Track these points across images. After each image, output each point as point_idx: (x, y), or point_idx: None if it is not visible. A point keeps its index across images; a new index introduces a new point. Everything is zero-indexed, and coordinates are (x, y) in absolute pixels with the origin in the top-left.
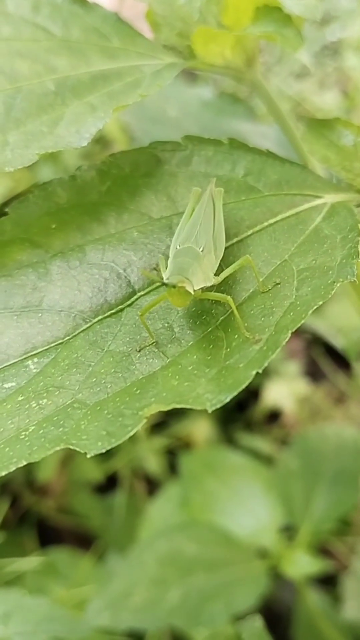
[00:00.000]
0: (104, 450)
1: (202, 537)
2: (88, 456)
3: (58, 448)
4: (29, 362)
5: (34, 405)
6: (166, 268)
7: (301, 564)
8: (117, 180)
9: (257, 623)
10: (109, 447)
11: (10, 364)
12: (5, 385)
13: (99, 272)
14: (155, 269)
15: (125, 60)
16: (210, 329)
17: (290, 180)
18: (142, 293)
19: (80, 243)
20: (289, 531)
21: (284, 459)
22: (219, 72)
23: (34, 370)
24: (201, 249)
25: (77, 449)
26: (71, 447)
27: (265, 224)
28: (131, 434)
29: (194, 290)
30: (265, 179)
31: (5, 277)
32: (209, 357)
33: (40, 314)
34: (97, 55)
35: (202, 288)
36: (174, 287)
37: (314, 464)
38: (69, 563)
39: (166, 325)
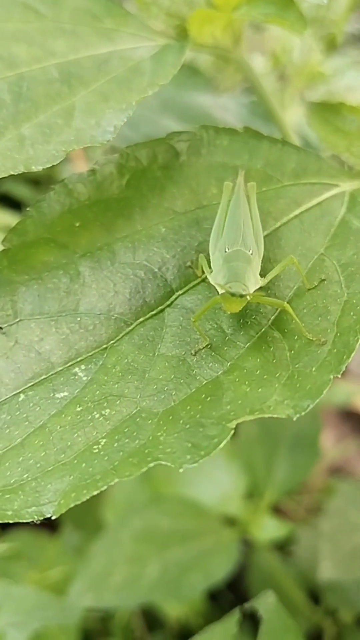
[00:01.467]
0: (195, 464)
1: (174, 510)
2: (180, 471)
3: (150, 465)
4: (76, 369)
5: (97, 416)
6: (210, 268)
7: (268, 529)
8: (136, 174)
9: (270, 599)
10: (200, 460)
11: (57, 372)
12: (58, 395)
13: (133, 271)
14: (190, 266)
15: (121, 42)
16: (263, 330)
17: (306, 168)
18: (180, 292)
19: (107, 241)
20: (253, 498)
21: (245, 427)
22: (208, 51)
23: (84, 378)
24: (250, 252)
25: (168, 464)
26: (162, 462)
27: (291, 215)
28: (221, 445)
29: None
30: (283, 168)
31: (36, 281)
32: (274, 360)
33: (78, 318)
34: (94, 38)
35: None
36: (233, 295)
37: (273, 430)
38: (33, 546)
39: (215, 326)
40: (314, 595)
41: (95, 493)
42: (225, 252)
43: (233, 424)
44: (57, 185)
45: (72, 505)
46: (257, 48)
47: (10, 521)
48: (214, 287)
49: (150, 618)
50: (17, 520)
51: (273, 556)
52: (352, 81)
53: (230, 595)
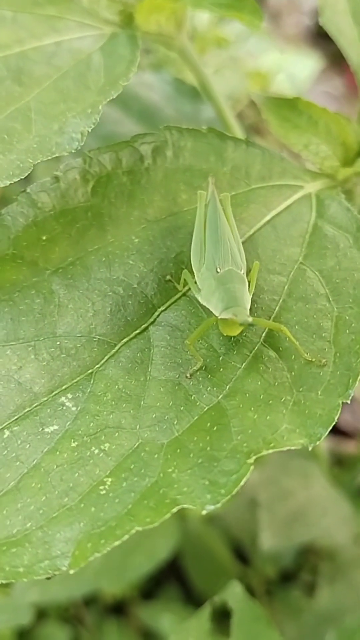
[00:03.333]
0: (218, 505)
1: None
2: (204, 513)
3: (173, 510)
4: (63, 398)
5: (96, 451)
6: (197, 287)
7: None
8: (101, 180)
9: (237, 589)
10: (222, 500)
11: (42, 403)
12: (48, 430)
13: (111, 288)
14: (170, 280)
15: (66, 31)
16: (256, 348)
17: (271, 169)
18: (162, 308)
19: (79, 256)
20: None
21: None
22: (152, 38)
23: (74, 409)
24: (242, 271)
25: (191, 507)
26: (184, 506)
27: (263, 221)
28: (242, 483)
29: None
30: (250, 170)
31: (7, 303)
32: (276, 383)
33: (58, 342)
34: (37, 26)
35: None
36: (242, 324)
37: None
38: None
39: (206, 345)
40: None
41: (116, 543)
42: (217, 272)
43: (252, 459)
44: (20, 196)
45: (91, 558)
46: None
47: (24, 579)
48: (199, 305)
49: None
50: (31, 577)
51: (203, 523)
52: (253, 47)
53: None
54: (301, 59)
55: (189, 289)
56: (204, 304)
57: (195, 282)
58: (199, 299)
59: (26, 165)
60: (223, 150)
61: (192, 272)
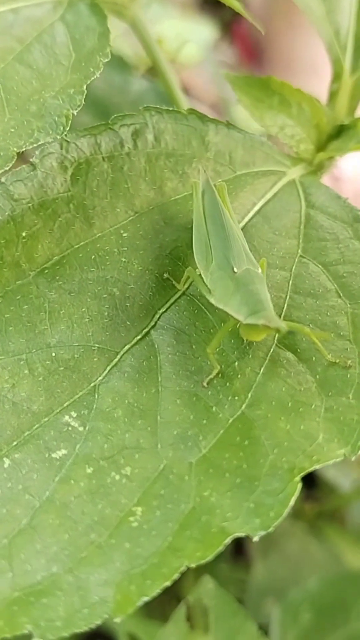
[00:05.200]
0: (270, 530)
1: None
2: (255, 539)
3: (226, 541)
4: (66, 417)
5: (116, 477)
6: (207, 288)
7: None
8: (80, 166)
9: (209, 585)
10: (274, 524)
11: (43, 424)
12: (55, 455)
13: (105, 289)
14: (169, 278)
15: None
16: (272, 350)
17: (254, 154)
18: (162, 310)
19: (64, 254)
20: None
21: None
22: (106, 7)
23: (81, 429)
24: (258, 270)
25: (243, 535)
26: (237, 535)
27: (253, 210)
28: (291, 503)
29: None
30: (234, 155)
31: None
32: (301, 389)
33: (53, 354)
34: None
35: None
36: (279, 330)
37: None
38: None
39: (218, 349)
40: None
41: (166, 584)
42: (234, 272)
43: (298, 478)
44: None
45: (139, 602)
46: None
47: (65, 634)
48: (202, 305)
49: None
50: (72, 631)
51: None
52: (155, 13)
53: None
54: (198, 27)
55: (188, 287)
56: (220, 307)
57: (203, 282)
58: (212, 301)
59: (8, 154)
60: (205, 134)
61: (195, 269)
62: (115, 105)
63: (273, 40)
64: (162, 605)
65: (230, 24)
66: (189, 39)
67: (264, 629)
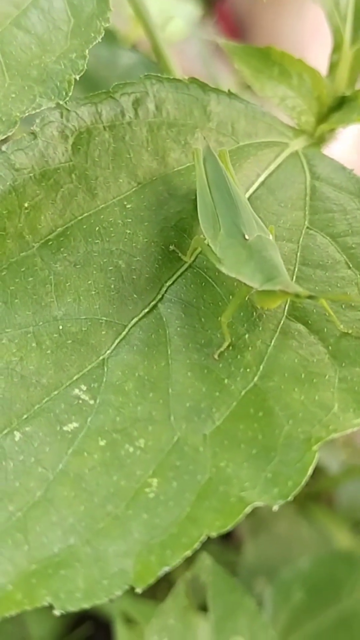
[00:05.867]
0: (290, 498)
1: None
2: (274, 508)
3: (247, 510)
4: (76, 390)
5: (130, 449)
6: (214, 253)
7: None
8: (81, 135)
9: (207, 561)
10: (293, 492)
11: (53, 398)
12: (67, 428)
13: (111, 261)
14: (175, 250)
15: None
16: (282, 322)
17: (256, 125)
18: (169, 283)
19: (68, 225)
20: None
21: None
22: None
23: (92, 402)
24: (270, 236)
25: (261, 504)
26: (257, 504)
27: (257, 182)
28: (309, 472)
29: None
30: (236, 125)
31: None
32: (314, 360)
33: (60, 326)
34: None
35: None
36: (298, 295)
37: None
38: None
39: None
40: None
41: (186, 553)
42: (245, 239)
43: (316, 447)
44: None
45: (160, 572)
46: None
47: (86, 606)
48: (209, 277)
49: None
50: (92, 602)
51: None
52: None
53: None
54: (182, 3)
55: (195, 259)
56: (232, 275)
57: (212, 251)
58: (223, 269)
59: (10, 119)
60: (206, 104)
61: (203, 239)
62: (103, 79)
63: (256, 18)
64: (152, 589)
65: (213, 1)
66: (174, 15)
67: None
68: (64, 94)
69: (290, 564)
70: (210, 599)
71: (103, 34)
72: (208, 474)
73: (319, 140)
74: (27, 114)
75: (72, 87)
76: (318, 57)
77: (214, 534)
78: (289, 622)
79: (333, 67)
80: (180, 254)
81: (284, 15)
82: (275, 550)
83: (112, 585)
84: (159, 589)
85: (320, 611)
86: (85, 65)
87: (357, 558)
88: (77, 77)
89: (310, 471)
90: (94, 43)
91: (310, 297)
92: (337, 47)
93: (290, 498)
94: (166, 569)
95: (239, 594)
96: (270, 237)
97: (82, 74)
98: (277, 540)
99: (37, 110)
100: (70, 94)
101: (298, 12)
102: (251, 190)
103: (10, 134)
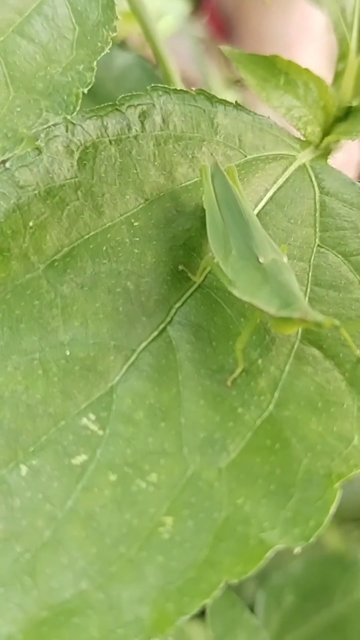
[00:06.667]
0: (312, 540)
1: None
2: (295, 552)
3: (267, 555)
4: (84, 420)
5: (142, 485)
6: (226, 276)
7: None
8: (87, 150)
9: None
10: (314, 533)
11: (60, 428)
12: (76, 462)
13: (118, 282)
14: (184, 270)
15: None
16: (296, 346)
17: (263, 137)
18: (178, 304)
19: (75, 244)
20: None
21: None
22: None
23: (101, 432)
24: (284, 259)
25: (283, 546)
26: (279, 546)
27: (266, 197)
28: (330, 511)
29: None
30: (243, 138)
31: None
32: (331, 387)
33: (67, 352)
34: None
35: None
36: (320, 325)
37: None
38: None
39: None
40: None
41: (205, 601)
42: (260, 262)
43: (337, 484)
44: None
45: (178, 621)
46: None
47: None
48: (220, 298)
49: None
50: None
51: None
52: None
53: None
54: (172, 0)
55: (205, 279)
56: (245, 299)
57: (223, 273)
58: (235, 292)
59: (16, 135)
60: (214, 116)
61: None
62: (99, 80)
63: (244, 14)
64: None
65: None
66: (166, 12)
67: None
68: (72, 108)
69: (281, 568)
70: (209, 614)
71: (110, 45)
72: (225, 511)
73: (325, 152)
74: (34, 130)
75: (80, 101)
76: (306, 54)
77: (235, 581)
78: (281, 626)
79: (338, 76)
80: (189, 274)
81: (271, 11)
82: None
83: (127, 634)
84: None
85: (312, 615)
86: (93, 78)
87: (348, 561)
88: (85, 91)
89: (332, 510)
90: (102, 54)
91: (331, 326)
92: (342, 56)
93: (312, 540)
94: (185, 618)
95: (238, 610)
96: (285, 259)
97: (90, 87)
98: None
99: (44, 126)
100: (77, 108)
101: (285, 8)
102: (260, 206)
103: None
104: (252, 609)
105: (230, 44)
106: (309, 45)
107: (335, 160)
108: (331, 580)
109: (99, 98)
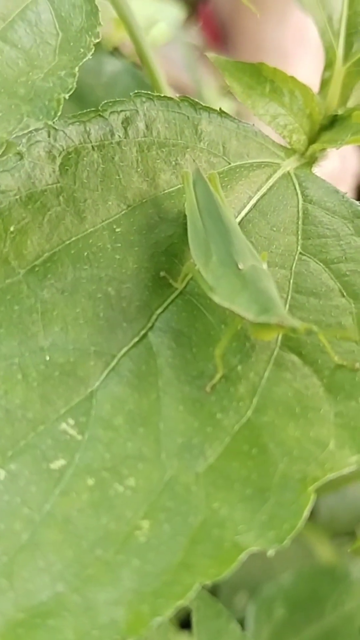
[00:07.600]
0: (286, 542)
1: None
2: (269, 553)
3: (241, 556)
4: (63, 425)
5: (120, 489)
6: (207, 282)
7: None
8: (69, 156)
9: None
10: (288, 536)
11: (39, 433)
12: (54, 466)
13: (99, 288)
14: (165, 276)
15: None
16: (275, 353)
17: (247, 145)
18: (159, 310)
19: (55, 250)
20: None
21: None
22: None
23: (79, 437)
24: (264, 266)
25: (257, 548)
26: (253, 548)
27: (249, 204)
28: (304, 514)
29: None
30: (227, 145)
31: None
32: (309, 393)
33: (47, 357)
34: None
35: None
36: (296, 331)
37: None
38: None
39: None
40: None
41: (179, 603)
42: (239, 268)
43: (311, 488)
44: None
45: (153, 623)
46: None
47: None
48: (201, 305)
49: None
50: None
51: None
52: None
53: None
54: (166, 7)
55: (186, 286)
56: (225, 305)
57: (204, 279)
58: (215, 299)
59: None
60: (198, 123)
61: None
62: (88, 87)
63: (239, 22)
64: None
65: (195, 4)
66: (159, 19)
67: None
68: (53, 113)
69: (272, 579)
70: (195, 625)
71: (93, 51)
72: (201, 515)
73: (310, 160)
74: (14, 135)
75: (61, 106)
76: (300, 61)
77: (208, 582)
78: (272, 638)
79: (325, 84)
80: (171, 280)
81: (266, 19)
82: (257, 564)
83: (102, 636)
84: None
85: (303, 627)
86: (74, 84)
87: (339, 573)
88: (67, 96)
89: (306, 513)
90: (84, 60)
91: (308, 332)
92: (329, 64)
93: (286, 542)
94: (159, 619)
95: (224, 620)
96: (264, 265)
97: (71, 92)
98: (259, 554)
99: (25, 132)
100: (59, 113)
101: (281, 16)
102: (243, 214)
103: None
104: (242, 621)
105: (226, 52)
106: (306, 54)
107: (333, 170)
108: (322, 593)
109: (88, 105)
